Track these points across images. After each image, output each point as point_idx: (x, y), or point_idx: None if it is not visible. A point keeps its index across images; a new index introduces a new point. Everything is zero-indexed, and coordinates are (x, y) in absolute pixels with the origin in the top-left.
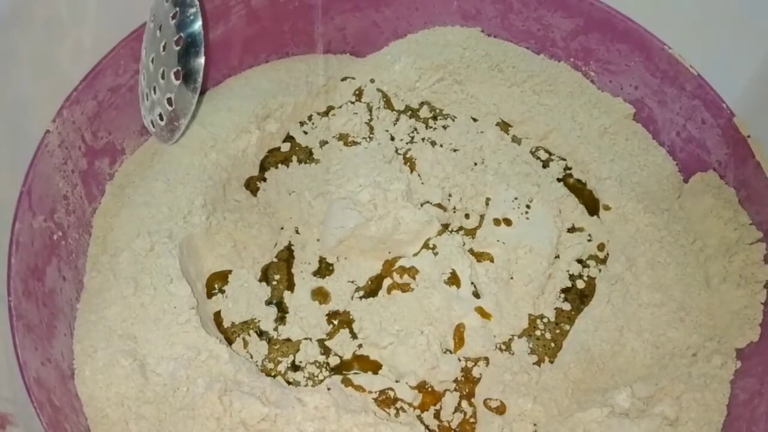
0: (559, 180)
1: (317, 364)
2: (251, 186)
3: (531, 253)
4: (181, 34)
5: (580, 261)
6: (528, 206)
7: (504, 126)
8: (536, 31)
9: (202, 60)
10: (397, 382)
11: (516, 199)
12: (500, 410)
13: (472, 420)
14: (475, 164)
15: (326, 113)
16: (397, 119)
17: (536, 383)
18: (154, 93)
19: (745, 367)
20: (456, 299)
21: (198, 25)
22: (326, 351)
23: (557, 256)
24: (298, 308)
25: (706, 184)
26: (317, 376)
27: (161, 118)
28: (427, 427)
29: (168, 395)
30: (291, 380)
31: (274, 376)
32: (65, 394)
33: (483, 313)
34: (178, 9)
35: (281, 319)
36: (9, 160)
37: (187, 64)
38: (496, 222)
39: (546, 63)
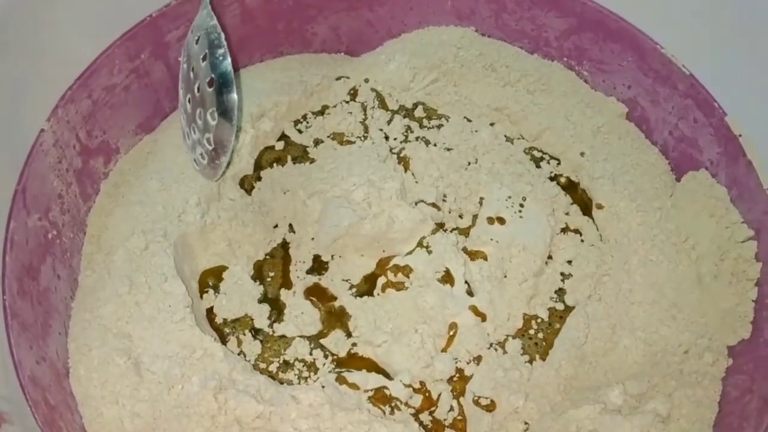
0: (552, 179)
1: (311, 362)
2: (246, 184)
3: (524, 251)
4: (213, 75)
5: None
6: (521, 205)
7: (497, 125)
8: (530, 31)
9: (235, 96)
10: (391, 380)
11: (509, 198)
12: (490, 408)
13: (459, 417)
14: (469, 163)
15: (321, 112)
16: (391, 119)
17: (528, 380)
18: (194, 133)
19: (737, 364)
20: (450, 297)
21: (228, 64)
22: (321, 349)
23: (550, 257)
24: (293, 306)
25: (699, 182)
26: (311, 374)
27: (203, 158)
28: (421, 423)
29: (163, 393)
30: (284, 379)
31: (272, 377)
32: (60, 393)
33: (477, 312)
34: (207, 51)
35: (276, 316)
36: (4, 159)
37: (221, 103)
38: (490, 221)
39: (539, 62)
